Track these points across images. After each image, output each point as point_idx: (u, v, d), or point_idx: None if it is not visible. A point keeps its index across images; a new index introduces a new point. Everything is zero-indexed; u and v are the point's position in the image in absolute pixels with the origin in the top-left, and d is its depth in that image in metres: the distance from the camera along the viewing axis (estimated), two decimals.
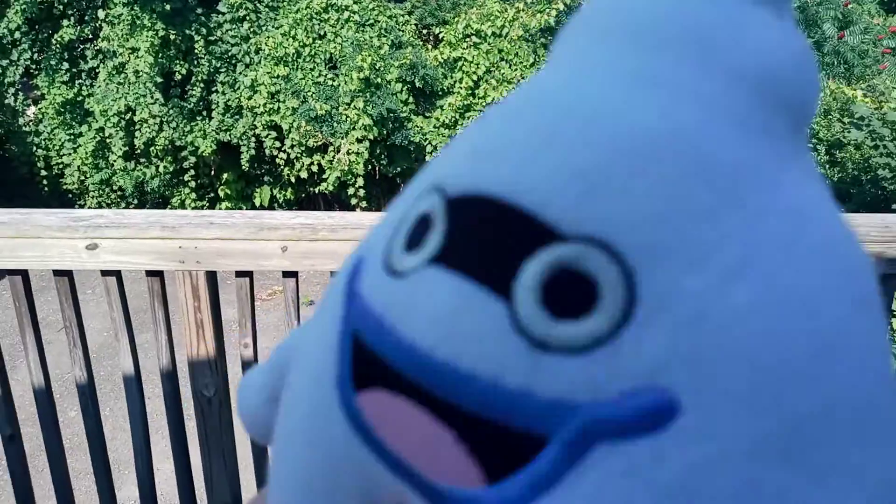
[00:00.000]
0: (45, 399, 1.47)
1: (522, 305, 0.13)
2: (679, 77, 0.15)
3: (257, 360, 1.44)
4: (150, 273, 1.36)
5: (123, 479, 2.82)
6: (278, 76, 5.38)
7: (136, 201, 6.23)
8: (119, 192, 6.23)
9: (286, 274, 1.35)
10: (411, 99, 5.56)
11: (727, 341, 0.12)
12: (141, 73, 5.39)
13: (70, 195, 6.41)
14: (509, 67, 5.39)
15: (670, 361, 0.12)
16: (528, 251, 0.13)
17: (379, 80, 5.34)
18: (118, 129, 5.63)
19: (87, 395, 1.47)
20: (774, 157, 0.15)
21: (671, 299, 0.13)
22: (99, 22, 5.66)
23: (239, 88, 5.57)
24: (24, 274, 1.38)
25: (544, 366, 0.13)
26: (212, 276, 1.37)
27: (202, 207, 6.19)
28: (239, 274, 1.36)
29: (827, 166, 4.86)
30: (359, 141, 5.30)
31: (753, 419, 0.12)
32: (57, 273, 1.38)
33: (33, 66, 5.92)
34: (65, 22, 5.71)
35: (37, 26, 5.77)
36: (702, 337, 0.12)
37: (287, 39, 5.42)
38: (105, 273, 1.37)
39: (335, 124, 5.36)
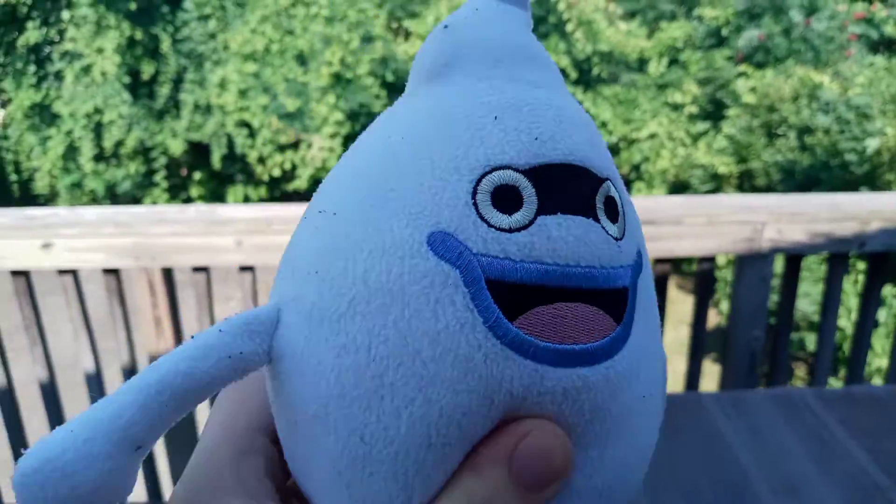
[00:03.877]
0: (7, 401, 1.47)
1: (602, 221, 0.24)
2: (547, 78, 0.27)
3: None
4: (106, 271, 1.36)
5: None
6: (247, 73, 5.35)
7: (108, 203, 6.17)
8: (91, 195, 6.15)
9: (243, 269, 1.35)
10: (384, 93, 5.55)
11: (629, 208, 0.27)
12: (108, 74, 5.33)
13: (42, 199, 6.33)
14: None
15: (635, 234, 0.26)
16: (595, 191, 0.24)
17: (349, 74, 5.32)
18: (87, 130, 5.55)
19: (49, 393, 1.47)
20: None
21: (626, 200, 0.26)
22: (64, 24, 5.59)
23: (208, 86, 5.52)
24: None
25: (619, 248, 0.24)
26: (168, 273, 1.36)
27: None
28: (196, 269, 1.36)
29: (797, 151, 4.90)
30: (331, 136, 5.28)
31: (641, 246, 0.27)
32: (14, 273, 1.37)
33: (0, 70, 5.84)
34: (29, 24, 5.63)
35: (1, 29, 5.69)
36: (631, 209, 0.27)
37: (255, 36, 5.38)
38: (62, 272, 1.36)
39: (307, 120, 5.34)
